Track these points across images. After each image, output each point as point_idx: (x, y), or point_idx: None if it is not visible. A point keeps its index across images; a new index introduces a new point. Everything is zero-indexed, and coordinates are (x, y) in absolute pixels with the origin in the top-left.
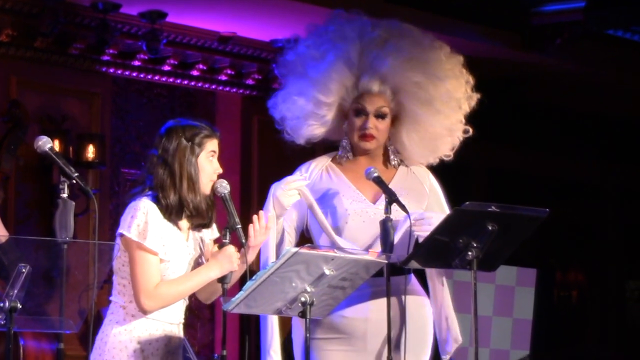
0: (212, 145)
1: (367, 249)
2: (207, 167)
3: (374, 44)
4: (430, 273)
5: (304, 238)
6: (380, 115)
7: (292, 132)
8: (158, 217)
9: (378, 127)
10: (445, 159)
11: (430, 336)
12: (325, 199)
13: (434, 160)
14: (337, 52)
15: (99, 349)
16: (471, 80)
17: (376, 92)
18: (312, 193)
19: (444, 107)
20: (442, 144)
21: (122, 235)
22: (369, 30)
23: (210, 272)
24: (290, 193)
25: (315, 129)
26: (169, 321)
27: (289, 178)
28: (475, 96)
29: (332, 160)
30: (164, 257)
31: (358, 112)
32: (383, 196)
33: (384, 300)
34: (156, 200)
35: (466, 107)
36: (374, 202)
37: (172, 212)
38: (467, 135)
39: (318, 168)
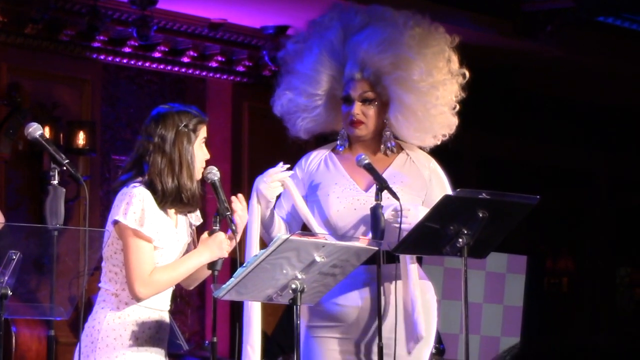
0: (204, 131)
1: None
2: (200, 153)
3: (354, 30)
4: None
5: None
6: (365, 100)
7: (291, 128)
8: (153, 204)
9: (366, 113)
10: (443, 138)
11: (434, 320)
12: (319, 188)
13: (431, 141)
14: (322, 43)
15: (91, 336)
16: (454, 57)
17: (359, 78)
18: (309, 182)
19: (422, 85)
20: (433, 123)
21: (117, 222)
22: (351, 16)
23: (201, 258)
24: (273, 185)
25: (308, 122)
26: (160, 308)
27: (270, 170)
28: (463, 72)
29: (332, 151)
30: (158, 244)
31: (345, 99)
32: (375, 184)
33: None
34: (149, 187)
35: (452, 84)
36: (366, 190)
37: (168, 200)
38: (454, 110)
39: (317, 158)
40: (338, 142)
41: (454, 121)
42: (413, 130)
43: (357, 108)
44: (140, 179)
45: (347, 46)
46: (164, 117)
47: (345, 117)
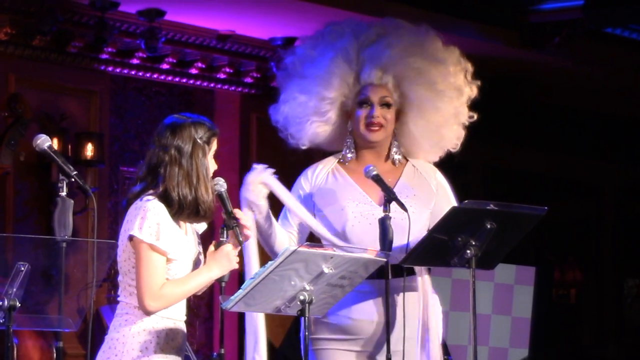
0: (215, 143)
1: None
2: (211, 165)
3: (369, 39)
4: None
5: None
6: (385, 104)
7: (296, 134)
8: (167, 217)
9: (385, 117)
10: (453, 150)
11: (441, 331)
12: (331, 202)
13: (441, 151)
14: (336, 49)
15: (115, 348)
16: (470, 67)
17: (378, 83)
18: (319, 195)
19: (446, 90)
20: (448, 131)
21: (132, 237)
22: (364, 29)
23: (211, 273)
24: (256, 190)
25: (318, 127)
26: (179, 318)
27: (248, 177)
28: (475, 84)
29: (338, 162)
30: (173, 256)
31: (362, 103)
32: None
33: (390, 302)
34: (163, 199)
35: (468, 93)
36: (380, 205)
37: (184, 212)
38: (472, 120)
39: (324, 170)
40: (345, 152)
41: (462, 134)
42: (429, 138)
43: (378, 110)
44: (152, 190)
45: (363, 54)
46: (181, 128)
47: (362, 120)
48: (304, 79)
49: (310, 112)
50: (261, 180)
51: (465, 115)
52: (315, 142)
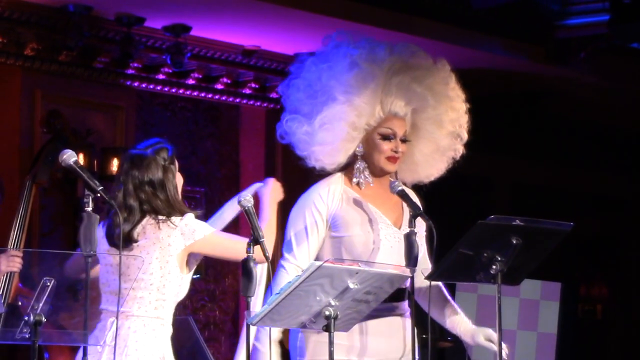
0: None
1: None
2: (179, 181)
3: (394, 67)
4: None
5: None
6: (404, 140)
7: (324, 159)
8: None
9: (403, 151)
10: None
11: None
12: (351, 226)
13: (437, 173)
14: (371, 76)
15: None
16: (462, 95)
17: (402, 115)
18: (337, 219)
19: (451, 125)
20: (446, 159)
21: (204, 237)
22: (383, 52)
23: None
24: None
25: (346, 153)
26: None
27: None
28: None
29: (346, 184)
30: None
31: (387, 136)
32: (405, 220)
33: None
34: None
35: (465, 121)
36: (398, 227)
37: None
38: (462, 142)
39: (337, 193)
40: (360, 177)
41: (461, 149)
42: (432, 162)
43: (402, 146)
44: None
45: (389, 83)
46: (146, 160)
47: (385, 152)
48: (335, 103)
49: (344, 139)
50: (253, 190)
51: (464, 133)
52: (338, 165)
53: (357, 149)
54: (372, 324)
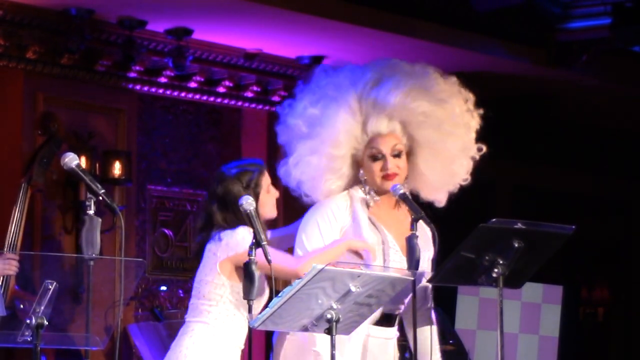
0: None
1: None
2: (270, 198)
3: (368, 86)
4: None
5: None
6: (397, 155)
7: (311, 193)
8: None
9: (398, 165)
10: (464, 183)
11: None
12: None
13: (453, 187)
14: (337, 103)
15: None
16: (471, 97)
17: (386, 132)
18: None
19: (454, 128)
20: (459, 166)
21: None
22: (360, 74)
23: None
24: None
25: (332, 183)
26: (239, 345)
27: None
28: (478, 112)
29: (356, 202)
30: None
31: (374, 156)
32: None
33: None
34: None
35: (474, 125)
36: (404, 253)
37: None
38: (481, 153)
39: (347, 210)
40: (366, 197)
41: (471, 167)
42: (441, 175)
43: (391, 162)
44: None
45: (366, 103)
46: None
47: (377, 173)
48: (311, 140)
49: (323, 171)
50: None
51: (474, 149)
52: (331, 195)
53: (359, 173)
54: (362, 346)
